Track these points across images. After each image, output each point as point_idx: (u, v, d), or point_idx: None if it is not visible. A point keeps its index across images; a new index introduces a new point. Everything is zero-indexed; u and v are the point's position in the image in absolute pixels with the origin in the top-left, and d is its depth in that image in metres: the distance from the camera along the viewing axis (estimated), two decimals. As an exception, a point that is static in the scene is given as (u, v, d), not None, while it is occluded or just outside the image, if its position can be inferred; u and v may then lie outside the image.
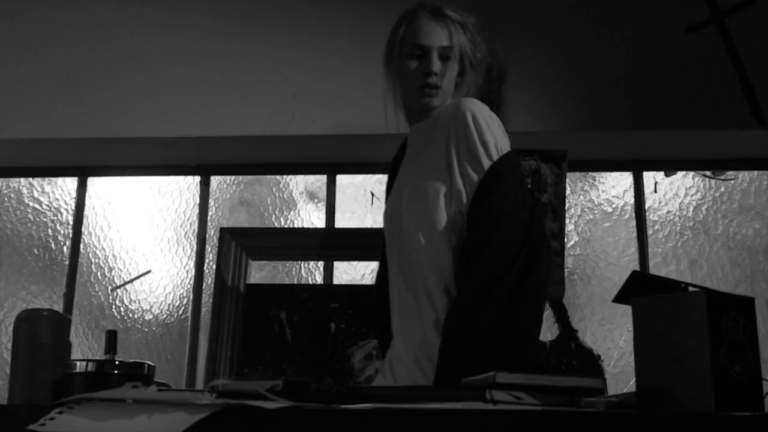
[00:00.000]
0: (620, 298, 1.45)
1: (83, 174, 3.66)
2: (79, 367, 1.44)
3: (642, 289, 1.41)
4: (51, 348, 1.47)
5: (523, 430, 1.09)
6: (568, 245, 3.47)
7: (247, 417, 1.04)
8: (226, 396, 1.20)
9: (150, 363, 1.47)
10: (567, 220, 3.46)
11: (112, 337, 1.53)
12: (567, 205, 3.46)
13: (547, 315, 3.40)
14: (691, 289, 1.35)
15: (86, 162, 3.62)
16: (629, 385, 3.20)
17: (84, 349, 3.47)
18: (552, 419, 1.08)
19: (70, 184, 3.68)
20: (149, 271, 3.55)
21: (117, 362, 1.44)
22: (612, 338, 3.35)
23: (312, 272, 3.45)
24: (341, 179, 3.53)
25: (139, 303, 3.53)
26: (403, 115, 2.06)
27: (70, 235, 3.61)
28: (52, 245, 3.64)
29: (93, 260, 3.60)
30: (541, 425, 1.08)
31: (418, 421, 1.05)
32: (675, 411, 1.22)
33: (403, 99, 2.03)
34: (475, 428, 1.07)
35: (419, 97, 1.96)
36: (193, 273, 3.52)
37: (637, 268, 3.43)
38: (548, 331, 3.38)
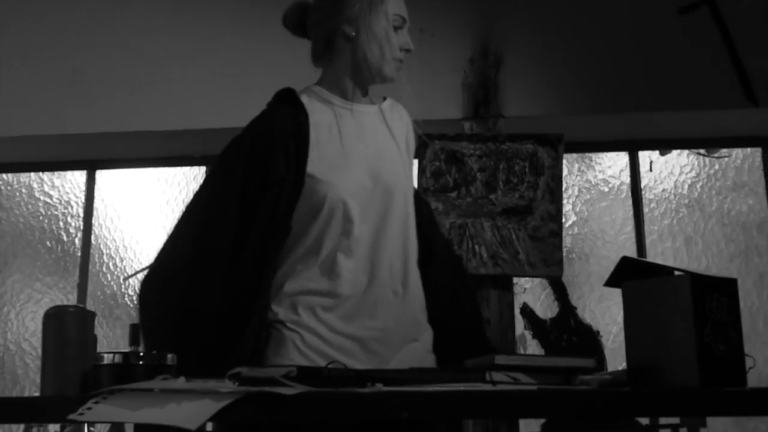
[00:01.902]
0: (611, 282, 1.55)
1: (91, 167, 3.81)
2: (107, 359, 1.51)
3: (631, 274, 1.51)
4: (78, 342, 1.54)
5: (521, 409, 1.18)
6: (567, 225, 3.62)
7: (266, 402, 1.14)
8: (245, 382, 1.31)
9: (171, 354, 1.56)
10: (564, 201, 3.60)
11: (135, 331, 1.62)
12: (564, 186, 3.60)
13: (547, 293, 3.57)
14: (677, 273, 1.44)
15: (94, 155, 3.77)
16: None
17: (99, 337, 3.59)
18: (547, 398, 1.18)
19: (79, 177, 3.84)
20: (159, 261, 3.69)
21: (141, 354, 1.53)
22: (610, 314, 3.49)
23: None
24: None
25: (150, 291, 3.69)
26: (320, 87, 1.88)
27: (81, 227, 3.78)
28: (64, 237, 3.80)
29: (104, 251, 3.77)
30: (537, 404, 1.18)
31: (424, 402, 1.15)
32: (661, 388, 1.31)
33: (363, 59, 1.85)
34: (477, 408, 1.17)
35: (389, 70, 1.86)
36: (202, 261, 3.66)
37: (634, 247, 3.59)
38: (548, 309, 3.56)
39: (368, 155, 1.82)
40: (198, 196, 1.81)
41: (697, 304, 1.37)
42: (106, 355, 1.52)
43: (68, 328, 1.55)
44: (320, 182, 1.72)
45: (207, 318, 1.69)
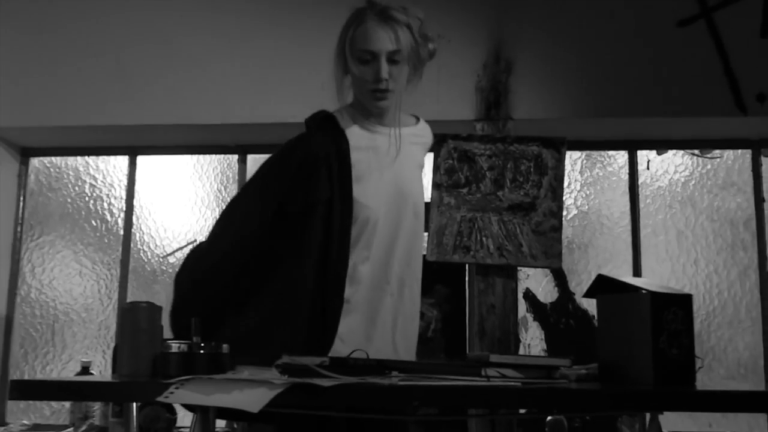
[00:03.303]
0: (588, 294, 1.85)
1: (133, 153, 4.04)
2: (174, 348, 1.77)
3: (605, 289, 1.81)
4: (149, 331, 1.79)
5: (509, 401, 1.49)
6: (568, 217, 3.84)
7: (308, 390, 1.44)
8: (288, 371, 1.61)
9: (226, 345, 1.80)
10: (567, 195, 3.82)
11: (197, 324, 1.89)
12: (567, 181, 3.82)
13: (548, 280, 3.79)
14: (642, 290, 1.73)
15: (135, 142, 3.99)
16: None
17: (139, 309, 3.92)
18: (531, 393, 1.48)
19: (121, 161, 4.07)
20: (195, 241, 3.97)
21: (202, 344, 1.79)
22: (605, 301, 3.72)
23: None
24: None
25: (187, 269, 3.97)
26: (352, 109, 2.05)
27: (124, 208, 4.02)
28: (108, 217, 4.06)
29: (144, 230, 4.02)
30: (522, 397, 1.48)
31: (432, 394, 1.46)
32: (622, 387, 1.61)
33: (356, 97, 2.04)
34: (475, 399, 1.48)
35: (371, 101, 1.99)
36: (233, 242, 3.93)
37: (630, 239, 3.79)
38: (549, 294, 3.79)
39: (395, 176, 2.02)
40: (234, 204, 2.07)
41: (655, 316, 1.66)
42: (173, 345, 1.81)
43: (141, 320, 1.79)
44: (362, 206, 1.94)
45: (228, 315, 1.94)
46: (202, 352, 1.73)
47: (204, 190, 4.04)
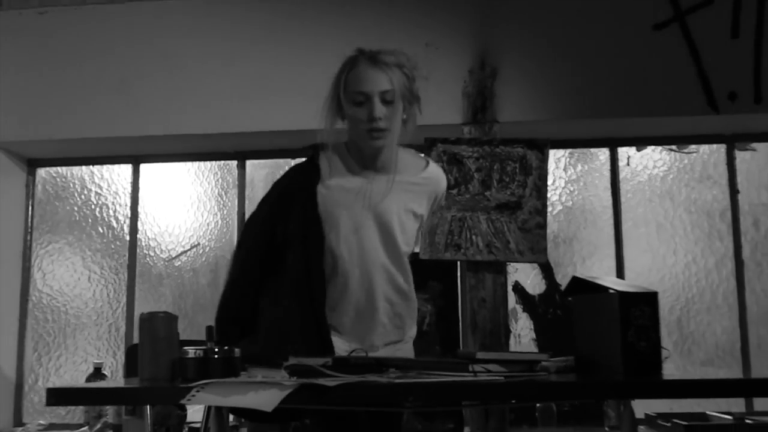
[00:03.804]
0: (565, 294, 2.03)
1: (136, 161, 4.19)
2: (191, 353, 1.89)
3: (579, 289, 2.00)
4: (166, 339, 1.92)
5: (494, 394, 1.67)
6: (554, 212, 4.00)
7: (315, 389, 1.62)
8: (295, 371, 1.78)
9: (237, 348, 1.95)
10: (552, 192, 3.98)
11: (210, 331, 2.03)
12: (552, 179, 3.99)
13: (536, 273, 3.95)
14: (611, 291, 1.91)
15: (138, 152, 4.14)
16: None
17: (147, 310, 4.05)
18: (514, 386, 1.66)
19: (125, 170, 4.22)
20: (198, 244, 4.15)
21: (216, 349, 1.93)
22: (590, 292, 3.89)
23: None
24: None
25: (192, 272, 4.14)
26: (345, 147, 2.14)
27: (129, 215, 4.17)
28: (114, 224, 4.21)
29: (149, 235, 4.18)
30: (505, 389, 1.67)
31: (425, 390, 1.63)
32: (594, 377, 1.80)
33: (351, 138, 2.12)
34: (463, 394, 1.66)
35: (367, 140, 2.05)
36: (235, 244, 4.08)
37: (612, 232, 3.95)
38: (537, 286, 3.95)
39: (372, 218, 2.10)
40: (250, 220, 2.26)
41: (624, 314, 1.84)
42: (190, 350, 1.95)
43: (158, 329, 1.93)
44: (329, 247, 2.07)
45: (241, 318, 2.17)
46: (216, 356, 1.88)
47: (206, 195, 4.19)
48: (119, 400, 2.08)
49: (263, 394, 1.64)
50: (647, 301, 1.88)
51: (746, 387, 1.69)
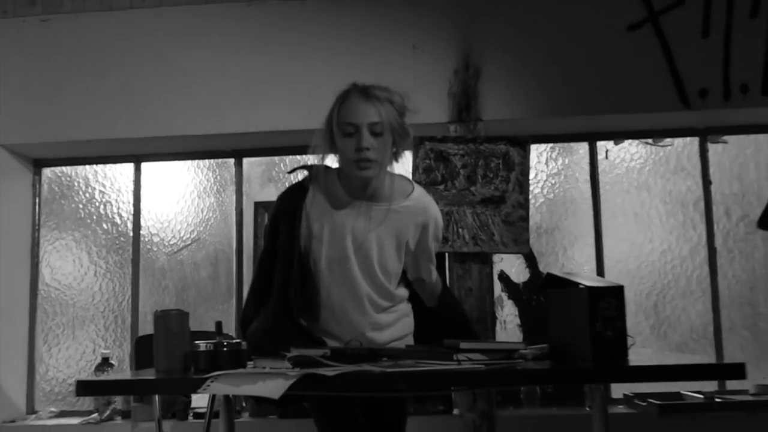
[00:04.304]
0: (541, 289, 2.24)
1: (137, 160, 4.35)
2: (202, 347, 2.04)
3: (554, 284, 2.20)
4: (179, 334, 2.09)
5: (477, 381, 1.87)
6: (537, 204, 4.18)
7: (316, 379, 1.81)
8: (297, 362, 1.97)
9: (243, 342, 2.12)
10: (534, 185, 4.16)
11: (220, 326, 2.20)
12: (534, 172, 4.17)
13: (520, 262, 4.13)
14: (581, 286, 2.10)
15: (139, 151, 4.30)
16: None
17: (151, 302, 4.29)
18: (496, 373, 1.86)
19: (127, 168, 4.38)
20: (198, 239, 4.34)
21: (225, 342, 2.09)
22: (571, 280, 4.08)
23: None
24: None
25: (194, 265, 4.33)
26: (335, 173, 2.25)
27: (132, 211, 4.34)
28: (117, 220, 4.39)
29: (152, 231, 4.36)
30: (486, 376, 1.86)
31: (415, 378, 1.82)
32: (565, 364, 2.00)
33: (341, 168, 2.23)
34: (449, 381, 1.86)
35: (355, 170, 2.14)
36: (234, 240, 4.29)
37: (592, 222, 4.12)
38: (521, 275, 4.13)
39: (356, 243, 2.23)
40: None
41: (592, 306, 2.02)
42: (201, 344, 2.11)
43: (172, 325, 2.10)
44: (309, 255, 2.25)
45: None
46: (225, 349, 2.06)
47: (205, 192, 4.36)
48: (143, 390, 2.27)
49: (270, 383, 1.83)
50: (614, 294, 2.05)
51: (698, 371, 1.89)
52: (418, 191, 2.31)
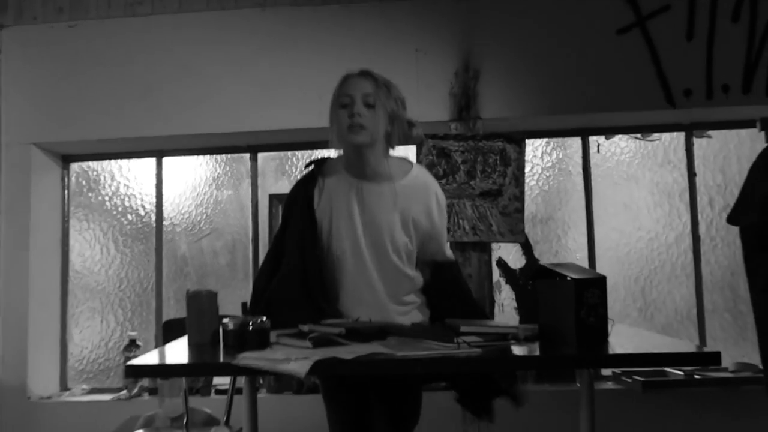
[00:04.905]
0: (533, 279, 2.48)
1: (159, 155, 4.60)
2: (230, 325, 2.16)
3: (543, 275, 2.45)
4: (208, 312, 2.27)
5: (474, 363, 2.12)
6: (533, 196, 4.39)
7: (335, 361, 2.04)
8: (316, 341, 2.16)
9: (267, 321, 2.21)
10: (530, 177, 4.39)
11: (245, 306, 2.42)
12: (530, 166, 4.39)
13: (517, 249, 4.34)
14: (569, 278, 2.34)
15: (161, 147, 4.55)
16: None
17: (174, 288, 4.57)
18: (488, 355, 2.11)
19: (149, 163, 4.62)
20: (216, 229, 4.61)
21: (251, 321, 2.18)
22: (564, 266, 4.32)
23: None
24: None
25: (213, 253, 4.60)
26: (340, 160, 2.33)
27: (154, 203, 4.59)
28: (141, 212, 4.64)
29: (174, 221, 4.61)
30: (487, 361, 2.09)
31: (430, 362, 2.01)
32: (551, 351, 2.24)
33: (343, 150, 2.30)
34: (453, 365, 2.10)
35: (347, 136, 2.21)
36: (250, 229, 4.54)
37: (584, 212, 4.35)
38: (518, 261, 4.35)
39: (364, 222, 2.31)
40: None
41: (578, 295, 2.21)
42: (230, 322, 2.18)
43: (203, 303, 2.27)
44: (332, 237, 2.32)
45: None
46: (251, 328, 2.19)
47: (222, 184, 4.59)
48: (177, 372, 2.37)
49: (295, 363, 2.10)
50: (597, 284, 2.24)
51: (677, 359, 2.10)
52: (417, 169, 2.39)
